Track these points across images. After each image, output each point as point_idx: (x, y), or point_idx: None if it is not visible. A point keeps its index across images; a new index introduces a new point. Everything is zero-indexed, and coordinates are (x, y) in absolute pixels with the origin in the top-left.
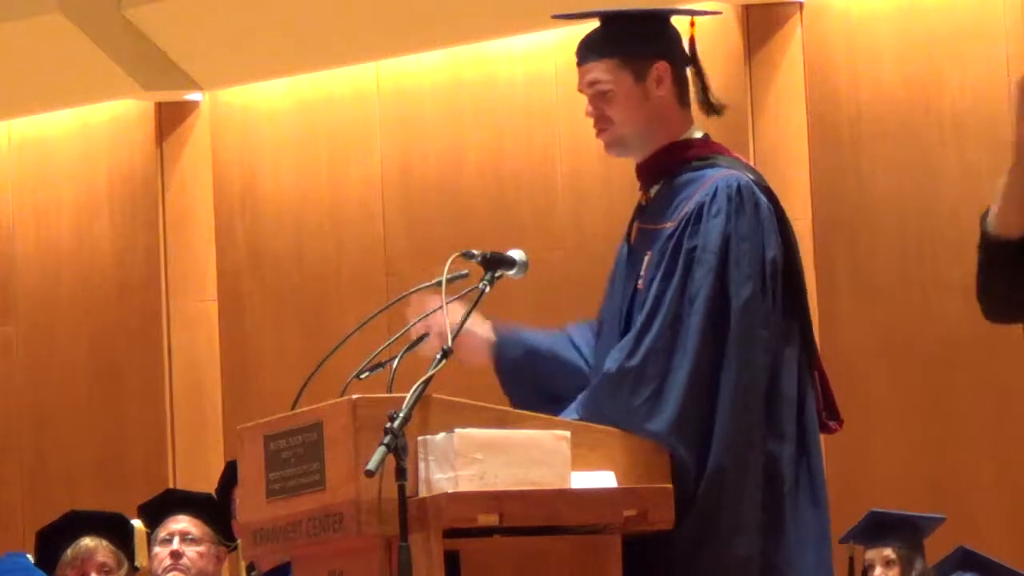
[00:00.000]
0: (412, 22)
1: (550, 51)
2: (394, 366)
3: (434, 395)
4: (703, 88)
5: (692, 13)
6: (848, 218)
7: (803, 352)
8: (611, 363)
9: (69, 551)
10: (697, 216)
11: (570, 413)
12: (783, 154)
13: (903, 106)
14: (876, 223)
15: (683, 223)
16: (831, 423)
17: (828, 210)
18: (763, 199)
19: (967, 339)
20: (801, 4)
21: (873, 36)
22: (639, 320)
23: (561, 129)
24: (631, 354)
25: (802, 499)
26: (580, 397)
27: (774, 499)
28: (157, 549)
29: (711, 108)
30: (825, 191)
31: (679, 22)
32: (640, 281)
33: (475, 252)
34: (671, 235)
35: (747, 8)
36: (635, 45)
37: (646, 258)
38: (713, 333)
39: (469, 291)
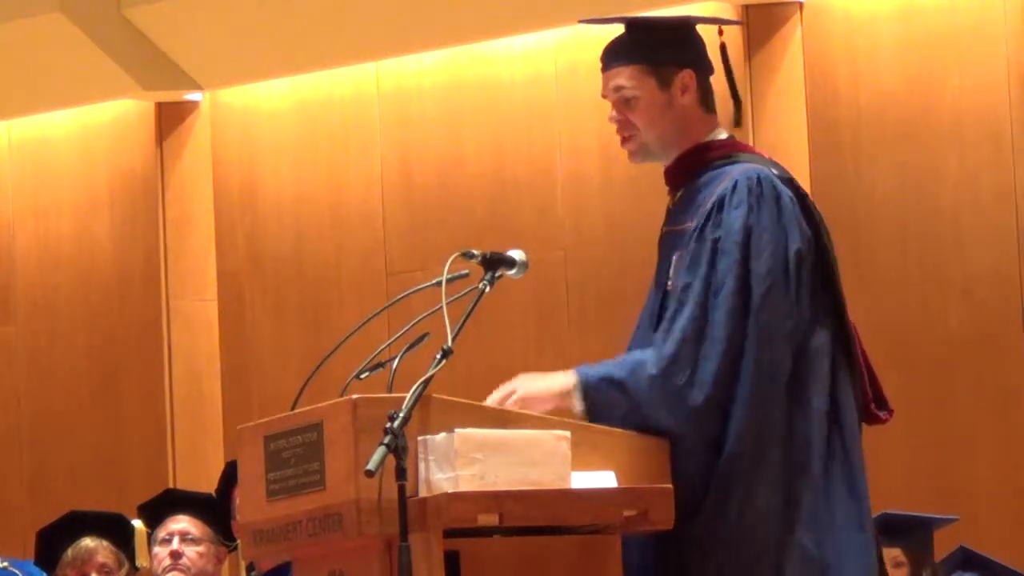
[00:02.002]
0: (412, 22)
1: (550, 51)
2: (394, 366)
3: (434, 395)
4: (736, 99)
5: (717, 22)
6: (848, 218)
7: (837, 342)
8: (651, 363)
9: (69, 551)
10: (719, 207)
11: (614, 367)
12: (783, 154)
13: (903, 106)
14: (876, 223)
15: (706, 216)
16: (881, 413)
17: (828, 210)
18: (785, 191)
19: (968, 339)
20: (801, 4)
21: (873, 36)
22: (669, 312)
23: (561, 129)
24: (665, 343)
25: (836, 486)
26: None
27: (804, 486)
28: (157, 549)
29: (738, 120)
30: (825, 191)
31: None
32: (670, 283)
33: (475, 252)
34: (695, 229)
35: (747, 8)
36: (660, 53)
37: (674, 258)
38: (740, 323)
39: (469, 291)
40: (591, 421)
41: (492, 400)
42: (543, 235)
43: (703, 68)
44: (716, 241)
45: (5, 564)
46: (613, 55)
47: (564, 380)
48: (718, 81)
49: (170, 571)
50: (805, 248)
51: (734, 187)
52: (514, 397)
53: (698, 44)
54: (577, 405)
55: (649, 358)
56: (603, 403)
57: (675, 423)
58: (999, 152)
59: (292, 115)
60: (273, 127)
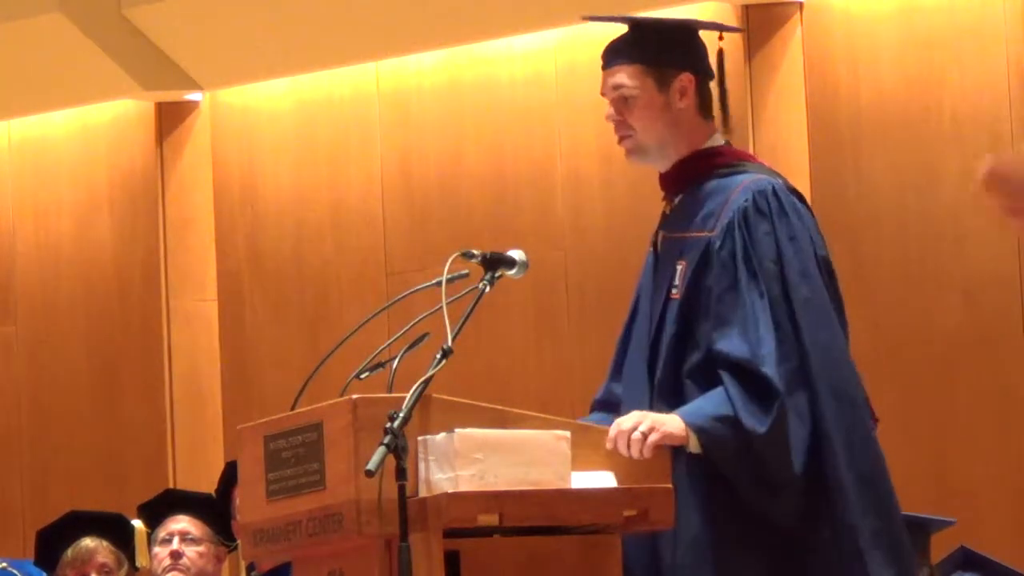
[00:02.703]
0: (412, 22)
1: (550, 51)
2: (394, 366)
3: (434, 395)
4: (724, 105)
5: (721, 28)
6: (848, 218)
7: None
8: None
9: (69, 551)
10: (744, 222)
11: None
12: (783, 154)
13: (903, 106)
14: (876, 223)
15: (729, 230)
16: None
17: (828, 210)
18: (798, 201)
19: (968, 339)
20: (801, 4)
21: (873, 36)
22: (723, 331)
23: (561, 129)
24: (763, 362)
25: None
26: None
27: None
28: (157, 549)
29: (726, 128)
30: (825, 191)
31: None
32: (675, 291)
33: (475, 252)
34: (719, 244)
35: (747, 8)
36: (662, 54)
37: (679, 266)
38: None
39: (469, 291)
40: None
41: (620, 428)
42: (543, 235)
43: (703, 73)
44: (751, 258)
45: (4, 565)
46: (615, 53)
47: (678, 421)
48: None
49: (170, 571)
50: (828, 254)
51: (754, 200)
52: (646, 423)
53: (700, 49)
54: (692, 445)
55: (741, 396)
56: (716, 439)
57: (788, 470)
58: (999, 152)
59: (292, 115)
60: (273, 127)
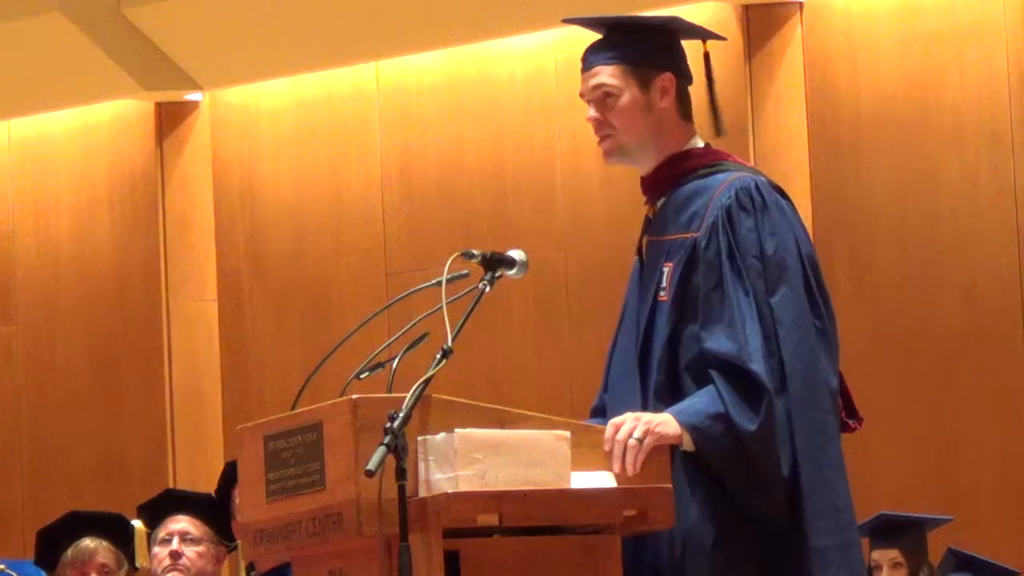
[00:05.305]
0: (412, 22)
1: (550, 50)
2: (394, 366)
3: (434, 395)
4: (714, 108)
5: (703, 36)
6: (848, 218)
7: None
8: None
9: (69, 551)
10: (728, 220)
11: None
12: (783, 154)
13: (903, 106)
14: (876, 223)
15: (713, 229)
16: (850, 422)
17: (828, 210)
18: (780, 198)
19: (967, 339)
20: (801, 4)
21: (873, 36)
22: (713, 329)
23: (561, 128)
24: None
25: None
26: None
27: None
28: (157, 549)
29: (719, 130)
30: (825, 191)
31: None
32: (662, 293)
33: (475, 252)
34: (705, 244)
35: (747, 8)
36: (642, 55)
37: (666, 269)
38: (791, 337)
39: (469, 291)
40: (701, 456)
41: (614, 431)
42: (543, 235)
43: (683, 74)
44: (735, 256)
45: (2, 567)
46: (595, 54)
47: (671, 420)
48: (700, 92)
49: (170, 571)
50: (813, 251)
51: (736, 198)
52: (640, 427)
53: (680, 51)
54: (686, 443)
55: (730, 391)
56: (709, 437)
57: (777, 469)
58: (999, 152)
59: (292, 115)
60: (273, 127)
